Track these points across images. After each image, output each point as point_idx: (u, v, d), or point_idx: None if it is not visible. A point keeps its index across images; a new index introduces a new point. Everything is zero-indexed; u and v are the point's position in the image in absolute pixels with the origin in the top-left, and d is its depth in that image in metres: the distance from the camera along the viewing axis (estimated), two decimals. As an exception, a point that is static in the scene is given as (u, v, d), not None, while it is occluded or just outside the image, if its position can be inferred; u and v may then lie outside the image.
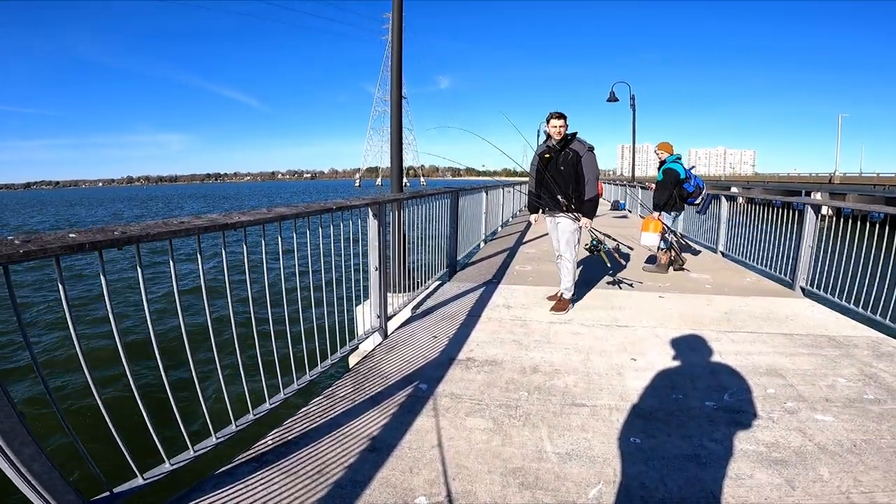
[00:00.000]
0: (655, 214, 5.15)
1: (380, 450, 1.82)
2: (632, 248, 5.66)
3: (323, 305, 2.39)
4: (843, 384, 2.36)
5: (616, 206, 15.25)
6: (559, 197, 3.66)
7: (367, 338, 3.01)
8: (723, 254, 6.40)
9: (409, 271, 4.25)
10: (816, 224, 4.31)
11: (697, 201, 5.30)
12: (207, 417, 1.70)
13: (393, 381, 2.43)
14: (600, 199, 4.56)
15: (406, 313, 3.83)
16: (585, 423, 2.08)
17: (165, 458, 1.56)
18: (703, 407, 2.24)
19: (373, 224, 2.91)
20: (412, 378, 2.48)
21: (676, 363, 2.78)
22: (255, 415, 1.91)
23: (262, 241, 2.05)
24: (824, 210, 5.76)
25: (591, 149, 3.63)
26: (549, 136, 3.69)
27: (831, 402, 2.18)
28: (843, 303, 3.71)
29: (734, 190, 37.60)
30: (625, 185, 16.75)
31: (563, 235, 3.78)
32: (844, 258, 3.81)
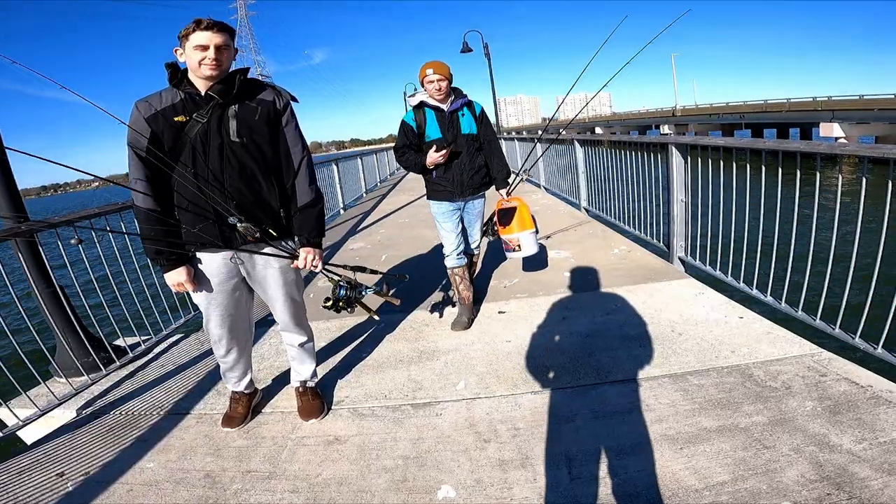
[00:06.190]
0: (507, 190, 2.61)
1: None
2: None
3: None
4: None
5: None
6: (232, 212, 1.53)
7: None
8: (587, 210, 5.28)
9: (89, 336, 2.50)
10: (686, 170, 3.08)
11: None
12: None
13: None
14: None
15: (64, 416, 2.16)
16: None
17: None
18: None
19: None
20: None
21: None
22: None
23: None
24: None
25: (292, 98, 1.65)
26: (179, 78, 1.50)
27: None
28: (743, 286, 2.53)
29: (599, 130, 39.67)
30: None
31: (275, 296, 1.73)
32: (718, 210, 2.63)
